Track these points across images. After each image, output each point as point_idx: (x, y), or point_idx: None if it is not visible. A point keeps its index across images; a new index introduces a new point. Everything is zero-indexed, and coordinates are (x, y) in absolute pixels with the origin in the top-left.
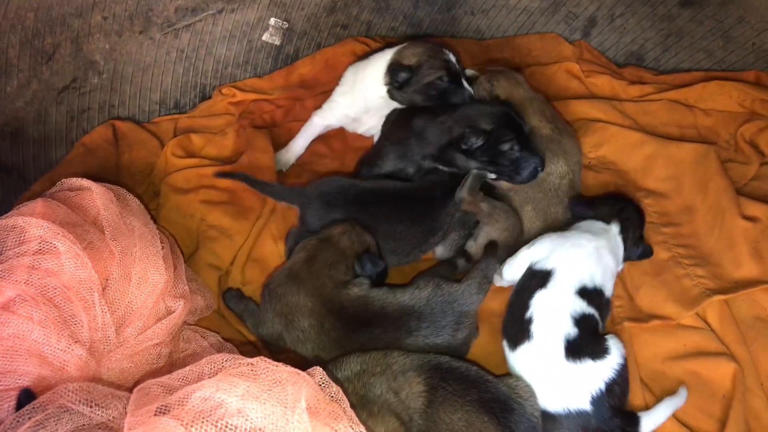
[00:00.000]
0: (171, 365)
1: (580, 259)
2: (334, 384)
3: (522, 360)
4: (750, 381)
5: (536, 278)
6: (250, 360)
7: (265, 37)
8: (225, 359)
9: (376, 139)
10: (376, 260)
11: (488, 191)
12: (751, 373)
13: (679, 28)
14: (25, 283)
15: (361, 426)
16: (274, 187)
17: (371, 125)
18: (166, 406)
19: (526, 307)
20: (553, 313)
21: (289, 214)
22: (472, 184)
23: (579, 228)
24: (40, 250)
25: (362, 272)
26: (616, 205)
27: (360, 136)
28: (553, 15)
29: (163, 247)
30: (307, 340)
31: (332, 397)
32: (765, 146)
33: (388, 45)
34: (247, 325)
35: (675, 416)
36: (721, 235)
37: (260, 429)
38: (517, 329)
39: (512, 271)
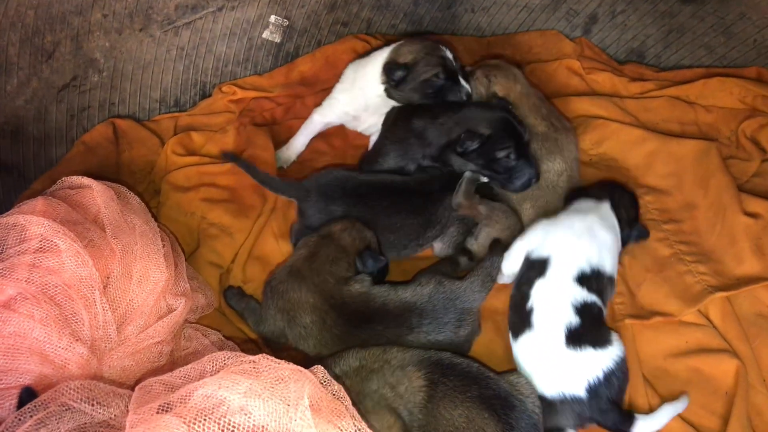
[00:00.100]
0: (172, 363)
1: (573, 242)
2: (336, 382)
3: (523, 348)
4: (752, 378)
5: (534, 268)
6: (252, 357)
7: (266, 34)
8: (227, 357)
9: (374, 137)
10: (377, 256)
11: (487, 190)
12: (753, 369)
13: (681, 24)
14: (26, 281)
15: (364, 423)
16: (273, 180)
17: (371, 123)
18: (168, 404)
19: (526, 297)
20: (554, 303)
21: (289, 212)
22: (467, 188)
23: (569, 209)
24: (40, 248)
25: (363, 269)
26: (608, 188)
27: (360, 134)
28: (554, 12)
29: (164, 245)
30: (309, 337)
31: (334, 394)
32: (766, 143)
33: (389, 42)
34: (248, 323)
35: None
36: (723, 232)
37: (263, 427)
38: (519, 319)
39: (510, 263)
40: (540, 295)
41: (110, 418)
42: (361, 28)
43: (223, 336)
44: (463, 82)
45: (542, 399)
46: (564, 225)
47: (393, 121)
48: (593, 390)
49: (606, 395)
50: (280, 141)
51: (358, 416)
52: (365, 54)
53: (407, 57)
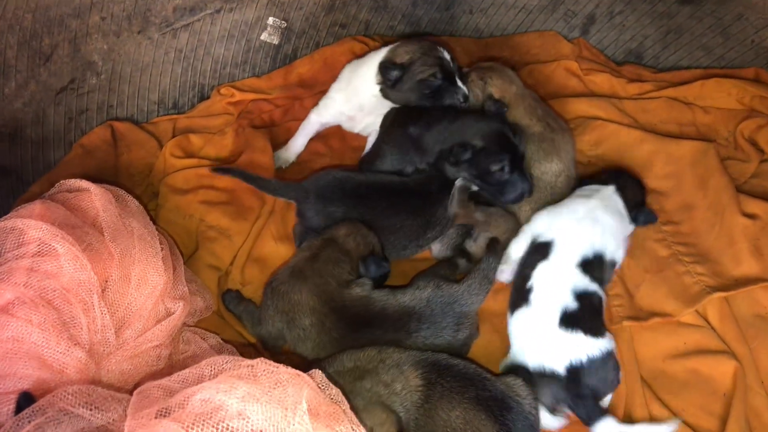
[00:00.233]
0: (171, 367)
1: (575, 227)
2: (333, 386)
3: (517, 322)
4: (750, 379)
5: (538, 252)
6: (250, 361)
7: (264, 36)
8: (225, 361)
9: (371, 138)
10: (381, 263)
11: (482, 195)
12: (751, 371)
13: (679, 25)
14: (24, 285)
15: (362, 427)
16: (270, 183)
17: (367, 123)
18: (166, 409)
19: (528, 278)
20: (553, 284)
21: (288, 214)
22: (460, 198)
23: (573, 194)
24: (39, 252)
25: (366, 274)
26: (614, 173)
27: (358, 136)
28: (552, 13)
29: (162, 249)
30: (308, 339)
31: (332, 398)
32: (764, 143)
33: (387, 44)
34: (246, 327)
35: (676, 414)
36: (721, 233)
37: (261, 431)
38: (518, 297)
39: (517, 248)
40: (541, 276)
41: (108, 422)
42: (360, 30)
43: (222, 339)
44: (459, 83)
45: (524, 370)
46: (567, 210)
47: (390, 125)
48: (573, 371)
49: (585, 382)
50: (279, 143)
51: (355, 420)
52: (363, 55)
53: (404, 57)
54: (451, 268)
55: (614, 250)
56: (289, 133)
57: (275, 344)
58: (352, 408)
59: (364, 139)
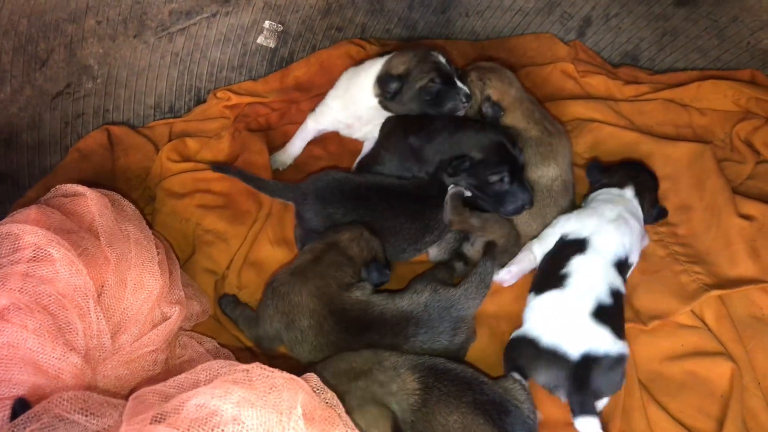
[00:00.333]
0: (167, 372)
1: (608, 227)
2: (328, 389)
3: (544, 302)
4: (747, 380)
5: (572, 246)
6: (245, 366)
7: (260, 40)
8: (220, 366)
9: (368, 143)
10: (383, 270)
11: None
12: (748, 372)
13: (674, 27)
14: (19, 291)
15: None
16: (269, 184)
17: (365, 132)
18: (161, 415)
19: (562, 266)
20: (593, 276)
21: (285, 217)
22: (453, 205)
23: (595, 200)
24: (34, 257)
25: (368, 279)
26: (631, 172)
27: (356, 140)
28: (548, 15)
29: (158, 253)
30: (305, 341)
31: (327, 402)
32: (760, 145)
33: (384, 47)
34: (242, 330)
35: (673, 416)
36: (718, 234)
37: None
38: (548, 280)
39: (542, 249)
40: (579, 266)
41: (104, 428)
42: (356, 33)
43: (219, 344)
44: (459, 83)
45: (534, 344)
46: (597, 213)
47: (390, 133)
48: (585, 361)
49: (593, 377)
50: (276, 146)
51: (351, 424)
52: (360, 62)
53: (400, 68)
54: (449, 272)
55: (637, 252)
56: (286, 137)
57: (271, 345)
58: (347, 409)
59: (362, 143)
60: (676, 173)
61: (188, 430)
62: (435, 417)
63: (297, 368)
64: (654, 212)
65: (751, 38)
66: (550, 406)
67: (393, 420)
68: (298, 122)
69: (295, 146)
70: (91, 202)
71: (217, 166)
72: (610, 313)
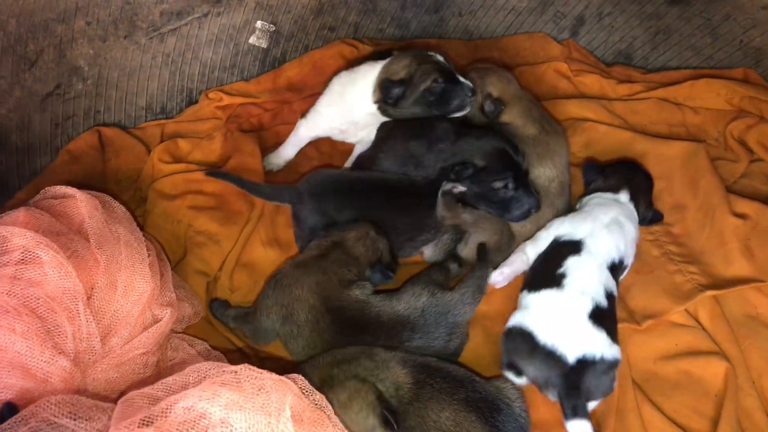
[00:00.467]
0: (158, 374)
1: (603, 231)
2: (317, 391)
3: (541, 300)
4: (742, 379)
5: (566, 247)
6: (234, 367)
7: (252, 40)
8: (209, 368)
9: (359, 147)
10: (387, 272)
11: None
12: (742, 371)
13: (667, 25)
14: (7, 293)
15: None
16: (263, 188)
17: (361, 136)
18: (149, 418)
19: (558, 266)
20: (589, 277)
21: (277, 218)
22: (445, 201)
23: (590, 203)
24: (22, 259)
25: (371, 279)
26: (626, 175)
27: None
28: (541, 14)
29: (149, 255)
30: (300, 336)
31: (316, 403)
32: (754, 144)
33: (377, 46)
34: (235, 327)
35: (667, 415)
36: (712, 233)
37: None
38: (543, 278)
39: (535, 251)
40: (575, 266)
41: None
42: (349, 33)
43: (210, 346)
44: (462, 79)
45: (530, 339)
46: (591, 217)
47: (388, 137)
48: (580, 364)
49: (586, 379)
50: (268, 146)
51: (340, 425)
52: (352, 64)
53: (401, 73)
54: (444, 273)
55: (631, 254)
56: (278, 137)
57: (266, 339)
58: (327, 394)
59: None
60: (669, 172)
61: None
62: (427, 413)
63: (288, 370)
64: (649, 215)
65: (744, 36)
66: (542, 405)
67: (377, 393)
68: (291, 122)
69: (288, 152)
70: (81, 203)
71: (213, 172)
72: (606, 316)
